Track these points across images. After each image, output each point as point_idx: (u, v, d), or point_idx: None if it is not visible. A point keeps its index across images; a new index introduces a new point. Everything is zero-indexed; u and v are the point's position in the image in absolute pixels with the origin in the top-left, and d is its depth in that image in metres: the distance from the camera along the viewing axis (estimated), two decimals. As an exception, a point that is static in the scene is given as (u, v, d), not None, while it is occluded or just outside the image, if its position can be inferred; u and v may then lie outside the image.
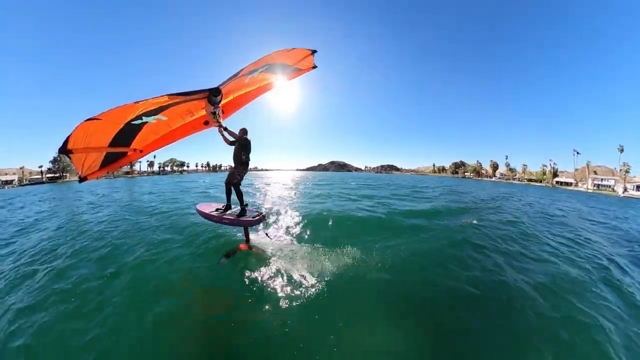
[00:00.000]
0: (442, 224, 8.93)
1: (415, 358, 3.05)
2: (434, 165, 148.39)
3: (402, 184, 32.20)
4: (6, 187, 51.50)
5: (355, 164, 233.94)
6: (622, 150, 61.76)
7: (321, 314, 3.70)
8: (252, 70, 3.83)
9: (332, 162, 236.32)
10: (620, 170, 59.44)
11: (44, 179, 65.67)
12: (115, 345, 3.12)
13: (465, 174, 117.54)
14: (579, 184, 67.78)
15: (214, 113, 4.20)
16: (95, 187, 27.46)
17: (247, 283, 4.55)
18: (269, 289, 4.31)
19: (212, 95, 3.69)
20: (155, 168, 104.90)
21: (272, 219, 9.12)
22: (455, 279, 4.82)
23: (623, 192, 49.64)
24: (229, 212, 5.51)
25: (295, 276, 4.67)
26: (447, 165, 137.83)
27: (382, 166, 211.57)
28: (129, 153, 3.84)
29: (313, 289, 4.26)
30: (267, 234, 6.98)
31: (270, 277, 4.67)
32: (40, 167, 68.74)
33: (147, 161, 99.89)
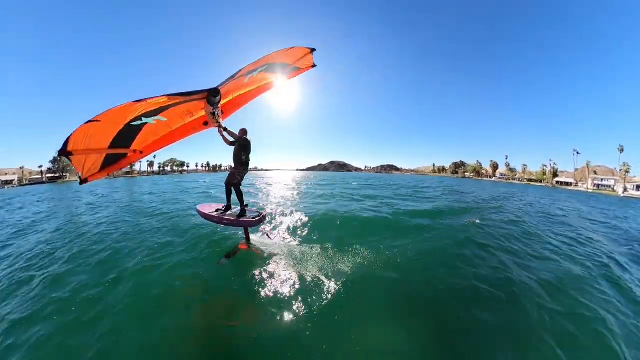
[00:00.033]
0: (445, 224, 8.99)
1: (432, 354, 3.13)
2: (434, 165, 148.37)
3: (404, 184, 32.14)
4: (6, 187, 51.47)
5: (355, 164, 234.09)
6: (622, 150, 61.76)
7: (324, 314, 3.69)
8: (252, 70, 3.82)
9: (332, 162, 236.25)
10: (620, 170, 59.42)
11: (44, 179, 65.65)
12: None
13: (465, 174, 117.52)
14: (579, 184, 67.76)
15: (214, 113, 4.20)
16: (95, 187, 27.39)
17: (247, 283, 4.54)
18: (269, 289, 4.30)
19: (211, 95, 3.69)
20: (155, 168, 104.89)
21: (277, 219, 8.93)
22: (462, 276, 4.93)
23: (623, 192, 49.63)
24: (229, 212, 5.50)
25: (297, 276, 4.66)
26: (447, 165, 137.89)
27: (382, 166, 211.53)
28: (129, 154, 3.83)
29: (315, 289, 4.25)
30: (267, 235, 6.97)
31: (272, 277, 4.66)
32: (40, 167, 68.74)
33: (147, 161, 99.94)
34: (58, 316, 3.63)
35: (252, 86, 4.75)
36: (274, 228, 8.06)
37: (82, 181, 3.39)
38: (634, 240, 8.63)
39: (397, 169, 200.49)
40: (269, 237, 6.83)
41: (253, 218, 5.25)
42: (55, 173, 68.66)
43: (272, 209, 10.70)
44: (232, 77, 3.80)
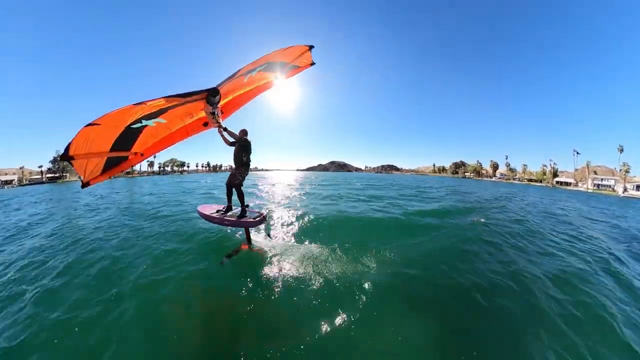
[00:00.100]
0: (453, 223, 9.19)
1: (458, 335, 3.43)
2: (434, 165, 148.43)
3: (406, 185, 32.11)
4: (6, 187, 51.47)
5: (355, 164, 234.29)
6: (622, 151, 61.77)
7: (327, 313, 3.70)
8: (251, 69, 3.81)
9: (332, 162, 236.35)
10: (620, 170, 59.44)
11: (44, 179, 65.66)
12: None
13: (466, 174, 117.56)
14: (579, 184, 67.77)
15: (213, 113, 4.18)
16: (94, 188, 27.13)
17: (249, 283, 4.52)
18: (272, 289, 4.29)
19: (211, 95, 3.67)
20: (156, 168, 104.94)
21: (286, 220, 8.79)
22: (476, 269, 5.30)
23: (623, 192, 49.63)
24: (230, 213, 5.50)
25: (304, 276, 4.66)
26: (447, 165, 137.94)
27: (383, 166, 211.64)
28: (130, 157, 3.82)
29: (319, 289, 4.27)
30: (268, 235, 6.98)
31: (274, 277, 4.65)
32: (40, 167, 68.76)
33: (148, 161, 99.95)
34: (53, 345, 3.12)
35: (251, 86, 4.73)
36: (283, 229, 7.90)
37: (84, 184, 3.41)
38: (633, 238, 8.87)
39: (397, 169, 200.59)
40: (270, 237, 6.84)
41: (254, 218, 5.26)
42: (55, 173, 68.68)
43: (280, 211, 10.43)
44: (231, 76, 3.78)
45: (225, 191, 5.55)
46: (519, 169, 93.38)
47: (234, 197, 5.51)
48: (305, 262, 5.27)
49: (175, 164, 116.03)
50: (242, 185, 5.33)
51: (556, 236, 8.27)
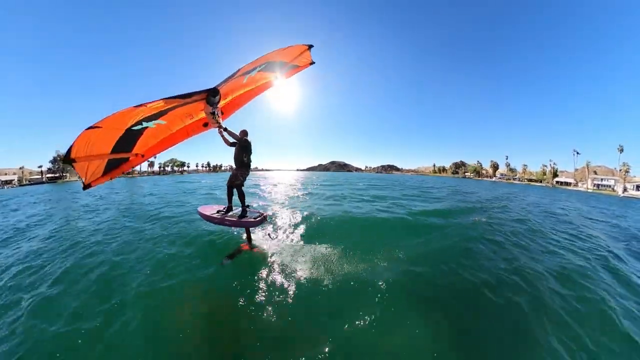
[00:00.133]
0: (456, 222, 9.35)
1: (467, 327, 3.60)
2: (434, 166, 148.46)
3: (408, 185, 32.07)
4: (6, 187, 51.48)
5: (355, 164, 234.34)
6: (621, 151, 61.79)
7: (331, 312, 3.74)
8: (250, 69, 3.81)
9: (333, 162, 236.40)
10: (620, 170, 59.46)
11: (44, 179, 65.68)
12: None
13: (466, 174, 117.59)
14: (579, 184, 67.77)
15: (213, 113, 4.18)
16: (94, 188, 26.75)
17: (251, 283, 4.54)
18: (275, 289, 4.29)
19: (210, 95, 3.68)
20: (156, 168, 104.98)
21: (291, 221, 8.67)
22: (482, 266, 5.51)
23: (623, 192, 49.64)
24: (230, 213, 5.53)
25: (303, 276, 4.68)
26: (447, 165, 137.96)
27: (383, 166, 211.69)
28: (131, 158, 3.84)
29: (322, 288, 4.29)
30: (269, 235, 7.02)
31: (276, 277, 4.65)
32: (40, 167, 68.77)
33: (148, 161, 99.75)
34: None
35: (251, 86, 4.73)
36: (289, 229, 7.81)
37: (86, 186, 3.43)
38: (632, 237, 9.05)
39: (397, 169, 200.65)
40: (271, 237, 6.87)
41: (254, 218, 5.30)
42: (55, 173, 68.71)
43: (285, 211, 10.27)
44: (231, 77, 3.78)
45: (226, 192, 5.56)
46: (519, 169, 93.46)
47: (235, 197, 5.53)
48: (309, 262, 5.27)
49: (176, 164, 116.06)
50: (243, 186, 5.36)
51: (557, 235, 8.45)
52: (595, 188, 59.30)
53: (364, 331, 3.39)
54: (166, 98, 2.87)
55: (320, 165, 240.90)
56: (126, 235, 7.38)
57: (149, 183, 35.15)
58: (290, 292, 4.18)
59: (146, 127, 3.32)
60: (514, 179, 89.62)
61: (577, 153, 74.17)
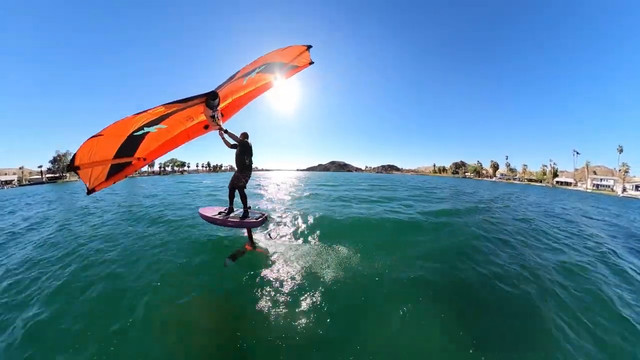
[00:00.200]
0: (462, 222, 9.59)
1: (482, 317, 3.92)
2: (434, 166, 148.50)
3: (411, 185, 32.03)
4: (6, 187, 51.47)
5: (355, 164, 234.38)
6: (621, 151, 61.84)
7: (337, 311, 3.81)
8: (249, 71, 3.82)
9: (333, 162, 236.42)
10: (620, 170, 59.50)
11: (44, 179, 65.68)
12: None
13: (466, 174, 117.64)
14: (579, 184, 67.81)
15: (213, 116, 4.19)
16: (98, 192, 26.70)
17: (255, 283, 4.59)
18: (278, 288, 4.34)
19: (210, 99, 3.69)
20: (156, 168, 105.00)
21: (301, 223, 8.50)
22: (492, 262, 5.85)
23: (622, 192, 49.67)
24: (232, 214, 5.61)
25: (307, 274, 4.76)
26: (447, 165, 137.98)
27: (383, 166, 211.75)
28: (133, 162, 3.89)
29: (327, 287, 4.37)
30: (269, 235, 7.11)
31: (281, 276, 4.71)
32: (40, 167, 68.76)
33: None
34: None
35: (250, 87, 4.74)
36: (299, 231, 7.68)
37: (90, 191, 3.49)
38: (629, 235, 9.48)
39: (397, 169, 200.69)
40: (271, 238, 6.98)
41: (256, 219, 5.40)
42: (55, 173, 68.71)
43: (295, 213, 10.02)
44: (230, 79, 3.79)
45: (228, 193, 5.61)
46: (519, 169, 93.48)
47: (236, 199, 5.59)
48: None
49: (176, 164, 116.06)
50: (245, 188, 5.45)
51: (558, 233, 8.82)
52: (594, 188, 59.33)
53: (385, 330, 3.53)
54: (166, 103, 2.91)
55: (320, 165, 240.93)
56: (128, 241, 6.88)
57: (148, 183, 34.95)
58: (294, 292, 4.24)
59: (147, 132, 3.36)
60: (514, 179, 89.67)
61: (577, 153, 74.27)
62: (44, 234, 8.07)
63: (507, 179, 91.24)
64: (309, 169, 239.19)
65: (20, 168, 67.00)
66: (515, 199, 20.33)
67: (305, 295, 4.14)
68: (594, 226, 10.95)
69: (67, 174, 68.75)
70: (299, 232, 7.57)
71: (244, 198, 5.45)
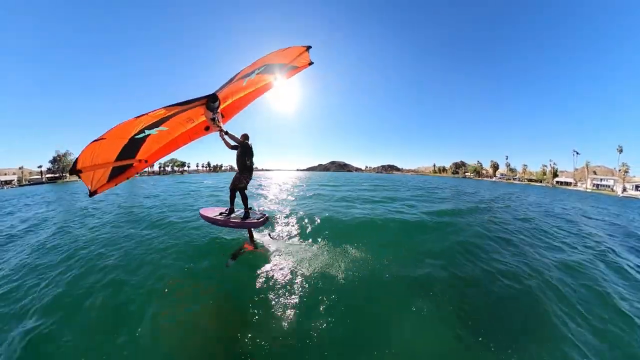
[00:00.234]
0: (465, 221, 9.75)
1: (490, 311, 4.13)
2: (434, 166, 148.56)
3: (412, 185, 32.04)
4: (5, 187, 51.45)
5: (355, 164, 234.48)
6: (621, 151, 61.89)
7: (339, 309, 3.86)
8: (249, 72, 3.84)
9: (333, 162, 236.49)
10: (620, 170, 59.55)
11: (44, 179, 65.67)
12: None
13: (466, 174, 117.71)
14: (579, 184, 67.85)
15: (214, 119, 4.20)
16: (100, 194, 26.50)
17: (258, 282, 4.61)
18: (280, 288, 4.37)
19: (210, 101, 3.70)
20: (156, 168, 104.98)
21: (308, 223, 8.42)
22: (496, 259, 6.08)
23: (622, 192, 49.70)
24: (233, 215, 5.66)
25: (313, 274, 4.80)
26: (447, 165, 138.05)
27: (383, 166, 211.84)
28: (134, 164, 3.93)
29: (333, 286, 4.43)
30: (270, 235, 7.14)
31: (283, 275, 4.73)
32: (40, 167, 68.74)
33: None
34: None
35: (250, 88, 4.75)
36: (305, 231, 7.65)
37: (92, 193, 3.52)
38: (628, 234, 9.72)
39: (397, 169, 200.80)
40: (271, 237, 7.02)
41: (257, 219, 5.48)
42: (55, 173, 68.69)
43: (301, 213, 9.90)
44: (230, 81, 3.80)
45: (229, 194, 5.66)
46: (519, 169, 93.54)
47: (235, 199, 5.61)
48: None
49: (176, 164, 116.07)
50: (246, 189, 5.51)
51: (560, 233, 9.04)
52: (594, 188, 59.38)
53: (395, 328, 3.61)
54: (167, 106, 2.93)
55: (320, 165, 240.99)
56: (130, 244, 6.57)
57: (149, 183, 34.81)
58: (298, 291, 4.28)
59: (149, 135, 3.37)
60: (514, 179, 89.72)
61: (577, 153, 74.31)
62: (43, 236, 7.84)
63: (507, 179, 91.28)
64: (309, 169, 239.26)
65: (20, 168, 66.99)
66: (516, 199, 20.42)
67: (314, 295, 4.18)
68: (593, 226, 11.14)
69: (67, 174, 68.74)
70: (305, 232, 7.57)
71: (244, 199, 5.53)
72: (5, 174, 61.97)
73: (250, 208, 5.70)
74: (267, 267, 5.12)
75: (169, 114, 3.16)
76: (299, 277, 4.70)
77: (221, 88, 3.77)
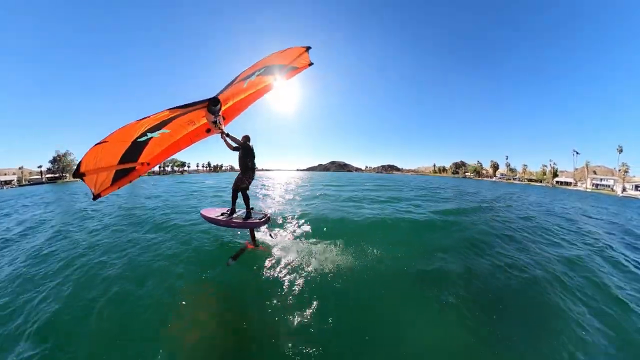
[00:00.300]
0: (469, 220, 10.05)
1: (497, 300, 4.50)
2: (434, 166, 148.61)
3: (414, 185, 32.16)
4: (5, 187, 51.46)
5: (355, 164, 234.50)
6: (621, 151, 61.94)
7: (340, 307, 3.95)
8: (249, 74, 3.86)
9: (333, 162, 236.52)
10: (619, 170, 59.59)
11: (44, 179, 65.66)
12: None
13: (466, 174, 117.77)
14: (579, 184, 67.90)
15: (215, 122, 4.21)
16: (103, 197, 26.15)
17: (259, 282, 4.67)
18: (282, 287, 4.41)
19: (211, 104, 3.71)
20: (156, 168, 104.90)
21: (315, 224, 8.49)
22: (502, 254, 6.46)
23: (622, 192, 49.74)
24: (235, 215, 5.70)
25: (312, 272, 4.90)
26: (447, 165, 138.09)
27: (383, 166, 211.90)
28: (137, 167, 3.95)
29: (331, 285, 4.54)
30: (271, 235, 7.22)
31: (285, 275, 4.79)
32: (40, 167, 68.71)
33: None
34: None
35: (251, 90, 4.77)
36: (318, 231, 7.73)
37: (96, 197, 3.55)
38: (625, 232, 10.10)
39: (397, 169, 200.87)
40: (272, 237, 7.10)
41: (259, 219, 5.55)
42: (55, 173, 68.67)
43: (311, 214, 9.99)
44: (231, 83, 3.83)
45: (231, 195, 5.72)
46: (519, 169, 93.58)
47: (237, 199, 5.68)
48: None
49: (176, 164, 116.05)
50: (248, 190, 5.62)
51: (560, 231, 9.36)
52: (594, 188, 59.42)
53: (407, 323, 3.77)
54: (169, 109, 2.96)
55: (320, 165, 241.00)
56: (135, 251, 6.13)
57: (149, 184, 34.64)
58: (300, 291, 4.35)
59: (151, 138, 3.39)
60: (514, 179, 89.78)
61: (577, 153, 74.36)
62: (40, 241, 7.36)
63: (507, 179, 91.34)
64: (309, 169, 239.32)
65: (20, 168, 66.95)
66: (517, 199, 20.65)
67: (319, 293, 4.26)
68: (592, 224, 11.46)
69: (67, 174, 68.73)
70: (322, 232, 7.75)
71: (246, 199, 5.64)
72: (5, 174, 61.95)
73: (252, 208, 5.76)
74: (273, 266, 5.24)
75: (172, 115, 3.18)
76: (315, 275, 4.83)
77: (222, 91, 3.79)
